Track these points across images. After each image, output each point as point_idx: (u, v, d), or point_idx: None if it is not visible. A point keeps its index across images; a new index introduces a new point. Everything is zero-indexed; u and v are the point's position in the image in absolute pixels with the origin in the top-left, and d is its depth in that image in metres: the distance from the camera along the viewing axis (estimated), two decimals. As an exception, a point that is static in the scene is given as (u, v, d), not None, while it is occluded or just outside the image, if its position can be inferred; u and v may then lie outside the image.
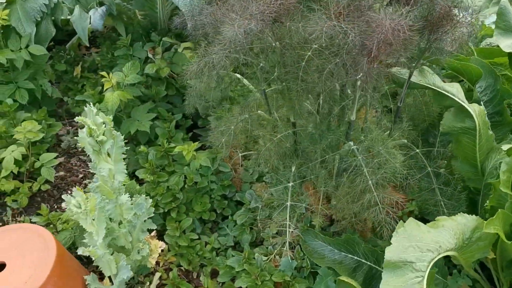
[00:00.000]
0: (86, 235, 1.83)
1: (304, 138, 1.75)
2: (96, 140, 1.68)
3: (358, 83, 1.50)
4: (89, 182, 2.74)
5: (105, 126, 1.70)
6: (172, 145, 2.40)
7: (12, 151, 2.36)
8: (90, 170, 2.89)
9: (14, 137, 2.41)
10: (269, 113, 2.00)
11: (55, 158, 2.54)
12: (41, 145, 2.60)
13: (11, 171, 2.37)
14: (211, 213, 2.28)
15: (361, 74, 1.48)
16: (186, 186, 2.28)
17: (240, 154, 2.40)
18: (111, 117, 1.68)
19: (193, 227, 2.22)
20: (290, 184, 1.79)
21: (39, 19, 2.84)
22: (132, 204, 1.91)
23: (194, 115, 2.90)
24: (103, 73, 2.46)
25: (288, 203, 1.78)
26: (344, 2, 1.30)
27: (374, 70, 1.34)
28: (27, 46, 2.73)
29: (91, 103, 1.65)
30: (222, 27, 1.40)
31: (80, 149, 2.97)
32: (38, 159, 2.50)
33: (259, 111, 1.98)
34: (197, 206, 2.26)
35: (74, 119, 1.62)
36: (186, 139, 2.61)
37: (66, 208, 1.71)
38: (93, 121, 1.67)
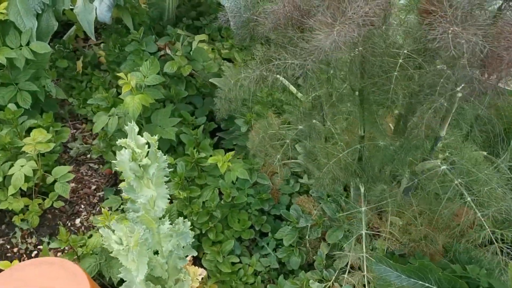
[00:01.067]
0: (122, 270, 1.58)
1: (376, 154, 1.52)
2: (139, 165, 1.42)
3: (459, 95, 1.27)
4: (102, 195, 2.47)
5: (148, 147, 1.44)
6: (202, 154, 2.15)
7: (22, 166, 2.08)
8: (102, 180, 2.65)
9: (22, 149, 2.12)
10: (323, 123, 1.76)
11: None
12: (50, 155, 2.32)
13: (20, 188, 2.09)
14: (250, 230, 2.04)
15: (463, 85, 1.26)
16: (222, 202, 2.04)
17: (278, 163, 2.16)
18: (156, 138, 1.42)
19: (232, 248, 1.98)
20: (363, 209, 1.56)
21: (40, 12, 2.52)
22: (171, 230, 1.66)
23: (215, 117, 2.64)
24: (121, 74, 2.18)
25: (364, 232, 1.56)
26: (465, 3, 1.06)
27: (492, 83, 1.12)
28: (28, 43, 2.42)
29: (133, 124, 1.38)
30: (306, 33, 1.15)
31: (89, 156, 2.70)
32: (50, 173, 2.22)
33: (314, 121, 1.75)
34: (235, 224, 2.02)
35: (117, 142, 1.36)
36: (211, 144, 2.36)
37: (93, 228, 1.46)
38: (136, 143, 1.41)
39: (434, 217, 1.61)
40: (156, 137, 1.42)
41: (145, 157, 1.42)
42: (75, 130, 2.91)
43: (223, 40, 2.93)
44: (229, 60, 2.87)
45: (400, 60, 1.24)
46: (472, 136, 1.59)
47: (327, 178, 1.60)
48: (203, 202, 2.00)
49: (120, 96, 2.29)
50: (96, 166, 2.65)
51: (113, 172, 2.50)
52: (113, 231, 1.45)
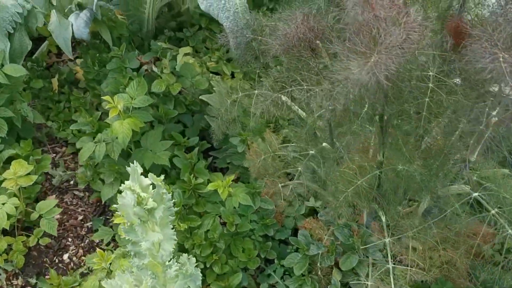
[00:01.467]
0: (127, 320, 1.43)
1: (397, 180, 1.42)
2: (145, 209, 1.28)
3: (494, 119, 1.18)
4: (90, 225, 2.31)
5: (153, 188, 1.30)
6: (200, 180, 2.01)
7: (3, 204, 1.90)
8: (88, 209, 2.47)
9: (2, 185, 1.94)
10: (332, 145, 1.65)
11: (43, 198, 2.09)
12: (31, 188, 2.14)
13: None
14: (256, 259, 1.92)
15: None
16: (225, 231, 1.91)
17: (280, 185, 2.04)
18: (161, 178, 1.28)
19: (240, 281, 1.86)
20: (387, 240, 1.46)
21: (12, 31, 2.33)
22: (178, 271, 1.53)
23: (208, 135, 2.50)
24: (107, 97, 2.02)
25: (390, 266, 1.45)
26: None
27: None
28: (1, 66, 2.23)
29: (136, 164, 1.24)
30: (334, 61, 1.03)
31: (73, 183, 2.52)
32: (33, 207, 2.05)
33: (324, 144, 1.63)
34: (240, 253, 1.90)
35: (120, 187, 1.21)
36: (206, 166, 2.22)
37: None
38: (140, 185, 1.27)
39: (458, 241, 1.52)
40: (161, 178, 1.28)
41: (151, 199, 1.28)
42: (54, 154, 2.72)
43: (208, 52, 2.80)
44: (217, 73, 2.74)
45: (431, 85, 1.14)
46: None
47: (343, 206, 1.49)
48: (205, 232, 1.87)
49: (106, 120, 2.13)
50: (81, 194, 2.47)
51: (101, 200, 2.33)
52: (119, 282, 1.30)
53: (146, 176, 2.07)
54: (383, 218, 1.50)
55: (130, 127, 1.98)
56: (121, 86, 2.38)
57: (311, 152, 1.60)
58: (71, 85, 2.95)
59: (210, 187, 1.92)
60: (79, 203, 2.44)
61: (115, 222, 2.09)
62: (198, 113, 2.46)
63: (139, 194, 1.23)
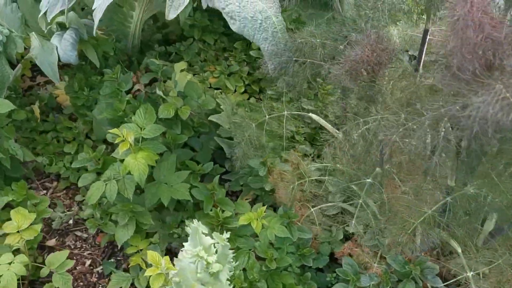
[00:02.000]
0: None
1: (470, 207, 1.29)
2: (210, 273, 1.10)
3: None
4: (101, 270, 2.08)
5: (216, 248, 1.11)
6: (228, 213, 1.83)
7: (9, 263, 1.66)
8: (96, 252, 2.23)
9: (6, 242, 1.70)
10: (382, 168, 1.52)
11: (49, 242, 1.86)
12: (35, 237, 1.89)
13: (9, 289, 1.67)
14: (297, 293, 1.76)
15: None
16: (263, 267, 1.74)
17: (312, 209, 1.89)
18: (227, 236, 1.10)
19: (285, 321, 1.69)
20: (470, 275, 1.33)
21: (-9, 62, 2.07)
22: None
23: (217, 156, 2.32)
24: (115, 130, 1.80)
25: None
26: None
27: None
28: (-17, 102, 1.97)
29: (198, 224, 1.05)
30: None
31: (71, 223, 2.28)
32: (38, 259, 1.81)
33: (377, 169, 1.49)
34: (281, 290, 1.73)
35: (181, 254, 1.03)
36: (224, 194, 2.04)
37: None
38: (202, 245, 1.08)
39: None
40: (226, 235, 1.10)
41: (216, 262, 1.10)
42: (45, 191, 2.46)
43: (204, 65, 2.60)
44: (218, 88, 2.55)
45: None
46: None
47: (406, 235, 1.35)
48: (244, 274, 1.69)
49: (114, 155, 1.91)
50: (84, 235, 2.24)
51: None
52: None
53: (163, 210, 1.87)
54: (459, 250, 1.37)
55: (146, 162, 1.77)
56: (119, 113, 2.16)
57: (368, 180, 1.45)
58: (53, 112, 2.70)
59: (242, 221, 1.74)
60: (84, 245, 2.20)
61: (131, 265, 1.88)
62: (206, 135, 2.27)
63: (206, 259, 1.05)
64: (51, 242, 2.18)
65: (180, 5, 1.91)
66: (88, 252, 2.16)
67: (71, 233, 2.24)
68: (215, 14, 2.72)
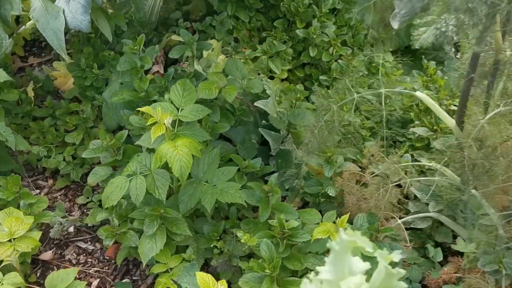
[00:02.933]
0: None
1: None
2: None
3: None
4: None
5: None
6: (294, 223, 1.37)
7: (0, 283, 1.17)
8: (105, 268, 1.73)
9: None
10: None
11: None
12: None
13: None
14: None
15: None
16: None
17: (399, 221, 1.46)
18: (393, 256, 0.66)
19: None
20: None
21: (-19, 20, 1.60)
22: None
23: (260, 153, 1.87)
24: (146, 108, 1.34)
25: None
26: None
27: None
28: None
29: (354, 235, 0.61)
30: None
31: (73, 232, 1.80)
32: (37, 283, 1.33)
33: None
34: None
35: (309, 276, 0.57)
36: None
37: None
38: (351, 272, 0.64)
39: None
40: (393, 256, 0.66)
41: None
42: (38, 191, 1.97)
43: (238, 46, 2.16)
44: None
45: None
46: None
47: None
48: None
49: (139, 142, 1.44)
50: (90, 247, 1.76)
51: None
52: None
53: (197, 217, 1.42)
54: None
55: (189, 151, 1.31)
56: (141, 93, 1.71)
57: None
58: (50, 95, 2.22)
59: (318, 234, 1.29)
60: (89, 260, 1.72)
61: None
62: (250, 125, 1.82)
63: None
64: (46, 256, 1.70)
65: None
66: (95, 269, 1.68)
67: (72, 244, 1.76)
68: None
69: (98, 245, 1.76)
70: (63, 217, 1.71)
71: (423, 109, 1.80)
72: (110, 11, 2.15)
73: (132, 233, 1.47)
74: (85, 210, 1.89)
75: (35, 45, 2.70)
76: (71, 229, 1.81)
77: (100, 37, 2.08)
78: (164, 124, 1.35)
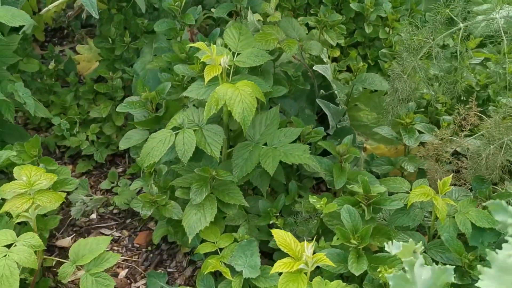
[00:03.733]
0: None
1: None
2: None
3: None
4: (143, 286, 1.30)
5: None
6: (381, 188, 1.09)
7: (9, 245, 0.89)
8: (135, 257, 1.43)
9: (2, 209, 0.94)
10: None
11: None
12: (48, 220, 1.13)
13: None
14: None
15: None
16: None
17: None
18: None
19: None
20: None
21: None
22: None
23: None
24: (199, 44, 1.10)
25: None
26: None
27: None
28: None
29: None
30: None
31: (97, 219, 1.52)
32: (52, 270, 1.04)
33: None
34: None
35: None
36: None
37: None
38: None
39: None
40: None
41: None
42: (56, 176, 1.70)
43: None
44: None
45: None
46: None
47: None
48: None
49: (186, 93, 1.19)
50: (116, 234, 1.47)
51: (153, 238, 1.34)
52: None
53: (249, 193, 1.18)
54: None
55: (252, 92, 1.06)
56: (182, 55, 1.47)
57: None
58: (72, 71, 1.98)
59: (415, 197, 1.01)
60: (115, 248, 1.43)
61: (203, 273, 1.11)
62: (305, 96, 1.57)
63: None
64: (64, 242, 1.42)
65: None
66: (123, 258, 1.39)
67: (95, 231, 1.47)
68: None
69: (126, 232, 1.48)
70: (87, 196, 1.43)
71: None
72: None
73: (174, 204, 1.19)
74: (110, 197, 1.62)
75: (56, 35, 2.51)
76: (94, 215, 1.54)
77: (132, 6, 1.87)
78: (221, 64, 1.10)
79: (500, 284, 0.52)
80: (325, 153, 1.37)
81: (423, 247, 0.63)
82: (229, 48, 1.22)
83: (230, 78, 1.19)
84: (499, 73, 1.67)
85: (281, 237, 0.86)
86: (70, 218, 1.50)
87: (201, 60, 1.13)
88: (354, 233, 1.01)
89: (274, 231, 0.90)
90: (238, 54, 1.21)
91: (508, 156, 1.08)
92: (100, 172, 1.75)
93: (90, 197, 1.43)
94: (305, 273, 0.84)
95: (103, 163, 1.74)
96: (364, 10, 1.88)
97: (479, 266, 0.53)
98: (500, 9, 1.55)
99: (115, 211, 1.57)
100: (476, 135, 1.21)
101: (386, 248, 0.58)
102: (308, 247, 0.82)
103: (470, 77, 1.67)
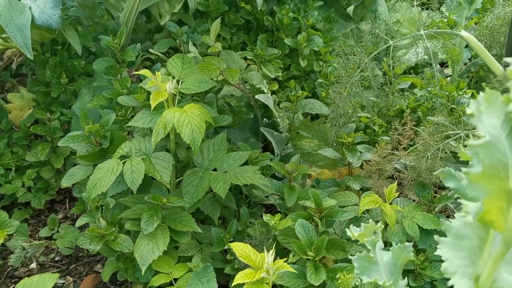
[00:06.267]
0: None
1: None
2: None
3: None
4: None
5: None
6: (331, 201, 1.12)
7: None
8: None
9: None
10: None
11: None
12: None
13: None
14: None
15: None
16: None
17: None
18: None
19: None
20: None
21: None
22: None
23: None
24: (144, 71, 1.10)
25: None
26: None
27: None
28: None
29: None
30: None
31: (37, 268, 1.42)
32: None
33: None
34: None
35: None
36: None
37: None
38: None
39: None
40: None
41: None
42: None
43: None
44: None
45: None
46: None
47: None
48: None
49: (132, 123, 1.17)
50: (60, 281, 1.38)
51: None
52: None
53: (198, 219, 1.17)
54: None
55: (201, 115, 1.07)
56: (123, 90, 1.47)
57: None
58: (4, 118, 1.90)
59: (366, 205, 1.04)
60: (60, 296, 1.34)
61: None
62: (249, 125, 1.60)
63: None
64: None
65: None
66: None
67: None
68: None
69: (70, 279, 1.40)
70: (27, 242, 1.34)
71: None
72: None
73: (124, 237, 1.15)
74: (49, 245, 1.53)
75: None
76: (33, 265, 1.44)
77: (67, 49, 1.85)
78: (167, 90, 1.11)
79: (457, 250, 0.54)
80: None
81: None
82: (173, 76, 1.23)
83: (176, 105, 1.20)
84: (426, 96, 1.80)
85: (240, 249, 0.86)
86: (8, 270, 1.40)
87: (146, 88, 1.14)
88: (310, 245, 1.02)
89: (232, 245, 0.89)
90: (182, 82, 1.23)
91: (444, 160, 1.15)
92: (38, 220, 1.66)
93: (30, 243, 1.35)
94: (267, 283, 0.83)
95: (41, 210, 1.66)
96: (298, 45, 1.98)
97: (436, 236, 0.55)
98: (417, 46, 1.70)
99: (57, 258, 1.49)
100: (414, 146, 1.28)
101: (348, 233, 0.60)
102: (268, 255, 0.82)
103: (401, 101, 1.78)
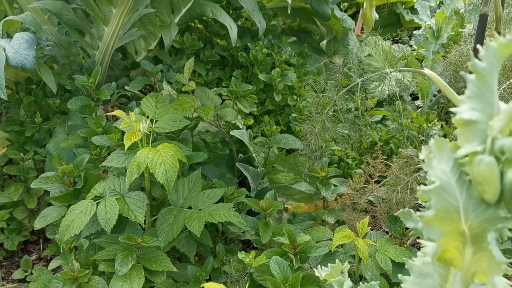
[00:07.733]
0: None
1: None
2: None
3: None
4: None
5: None
6: (305, 237, 1.13)
7: None
8: None
9: None
10: None
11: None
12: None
13: None
14: None
15: None
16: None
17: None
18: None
19: None
20: None
21: None
22: None
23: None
24: (117, 112, 1.12)
25: None
26: None
27: None
28: None
29: None
30: None
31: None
32: None
33: None
34: None
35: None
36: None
37: None
38: None
39: None
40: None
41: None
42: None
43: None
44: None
45: None
46: None
47: None
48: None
49: (106, 163, 1.18)
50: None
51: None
52: None
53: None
54: None
55: (174, 154, 1.08)
56: (98, 129, 1.47)
57: None
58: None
59: (339, 240, 1.06)
60: None
61: None
62: (225, 161, 1.61)
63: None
64: None
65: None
66: None
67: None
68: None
69: (43, 323, 1.36)
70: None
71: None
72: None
73: (98, 279, 1.13)
74: (24, 285, 1.50)
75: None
76: (4, 309, 1.41)
77: (42, 88, 1.85)
78: (141, 130, 1.12)
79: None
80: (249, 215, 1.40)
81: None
82: (147, 116, 1.24)
83: (150, 144, 1.21)
84: (397, 128, 1.84)
85: (214, 290, 0.86)
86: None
87: (119, 129, 1.15)
88: (285, 282, 1.03)
89: (207, 285, 0.89)
90: (156, 121, 1.24)
91: (414, 193, 1.18)
92: (12, 262, 1.62)
93: (3, 286, 1.32)
94: (242, 324, 0.83)
95: (14, 252, 1.63)
96: (272, 81, 2.02)
97: (399, 275, 0.57)
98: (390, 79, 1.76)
99: (31, 301, 1.45)
100: (385, 180, 1.31)
101: (316, 274, 0.61)
102: (242, 296, 0.82)
103: (373, 134, 1.82)
